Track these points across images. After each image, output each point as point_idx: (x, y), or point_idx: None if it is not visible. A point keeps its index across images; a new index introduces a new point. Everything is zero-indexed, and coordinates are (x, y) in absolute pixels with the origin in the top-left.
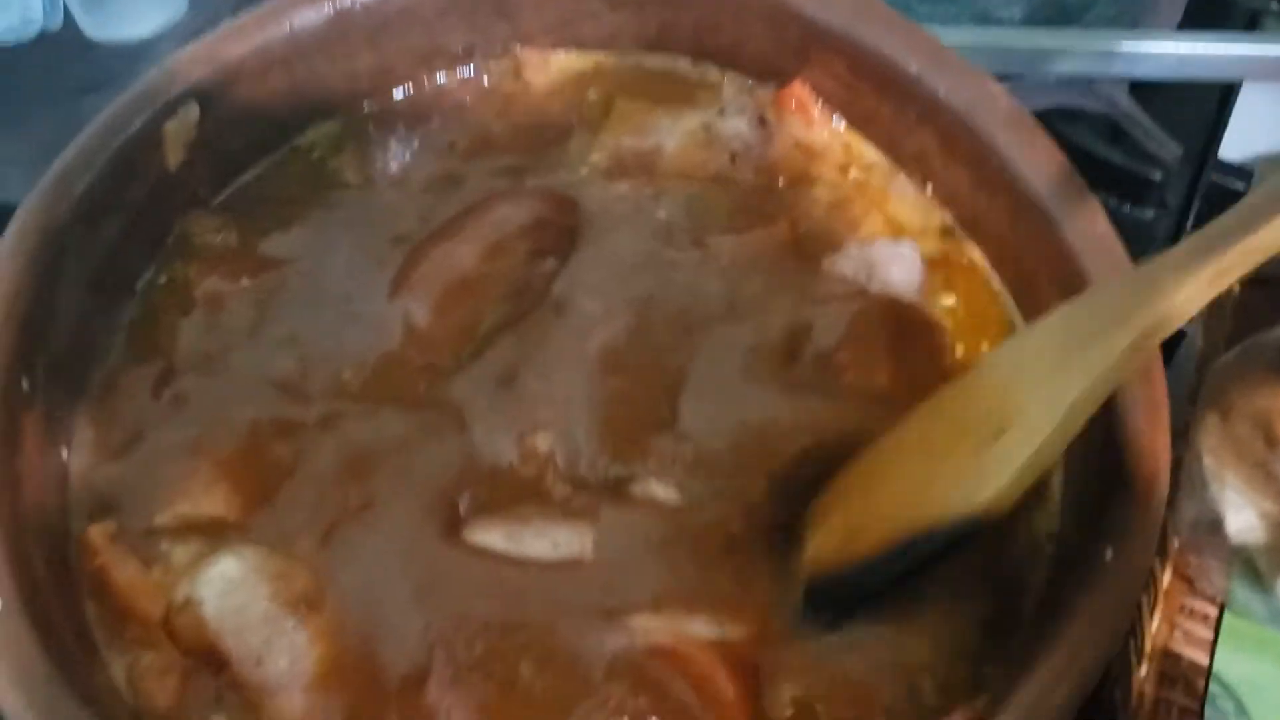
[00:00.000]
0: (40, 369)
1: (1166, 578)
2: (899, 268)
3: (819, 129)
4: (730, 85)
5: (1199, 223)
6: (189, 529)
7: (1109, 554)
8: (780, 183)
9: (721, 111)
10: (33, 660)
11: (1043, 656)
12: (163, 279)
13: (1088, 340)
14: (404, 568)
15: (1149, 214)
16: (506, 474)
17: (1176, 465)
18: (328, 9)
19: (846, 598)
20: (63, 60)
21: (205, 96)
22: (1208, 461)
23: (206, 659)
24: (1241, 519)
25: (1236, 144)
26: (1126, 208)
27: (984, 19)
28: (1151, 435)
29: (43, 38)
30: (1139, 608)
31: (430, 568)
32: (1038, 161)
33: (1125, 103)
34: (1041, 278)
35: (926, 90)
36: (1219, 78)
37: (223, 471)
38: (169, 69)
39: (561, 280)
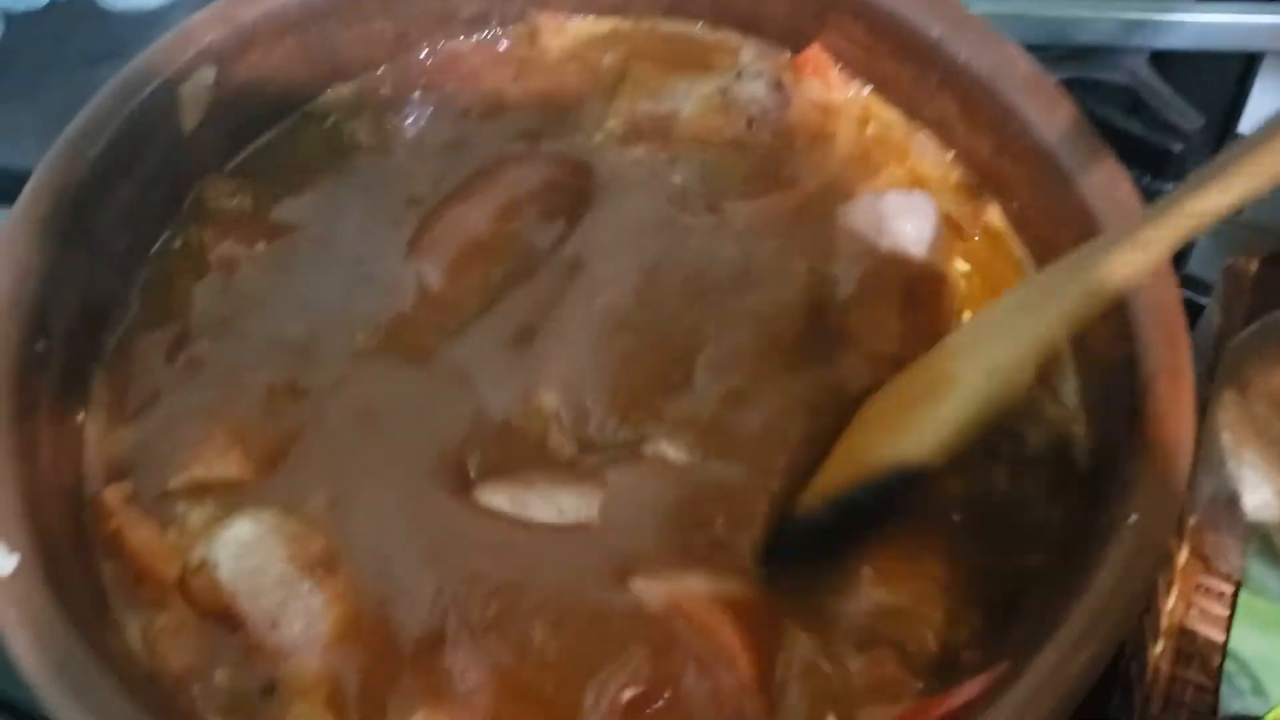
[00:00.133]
0: (55, 333)
1: (1183, 555)
2: (911, 221)
3: (837, 92)
4: (748, 50)
5: None
6: (204, 491)
7: (1133, 518)
8: (797, 144)
9: (738, 76)
10: (50, 621)
11: (1063, 621)
12: (178, 243)
13: (1021, 310)
14: (415, 529)
15: (1169, 186)
16: (514, 433)
17: (1194, 442)
18: None
19: (799, 542)
20: (75, 29)
21: (220, 59)
22: (1225, 438)
23: (222, 621)
24: (1258, 496)
25: (1258, 115)
26: (1147, 179)
27: None
28: (1175, 400)
29: (54, 6)
30: (1155, 585)
31: (441, 529)
32: (1059, 125)
33: (1146, 73)
34: (1063, 241)
35: (947, 55)
36: (1241, 48)
37: (237, 435)
38: (183, 32)
39: (573, 242)
